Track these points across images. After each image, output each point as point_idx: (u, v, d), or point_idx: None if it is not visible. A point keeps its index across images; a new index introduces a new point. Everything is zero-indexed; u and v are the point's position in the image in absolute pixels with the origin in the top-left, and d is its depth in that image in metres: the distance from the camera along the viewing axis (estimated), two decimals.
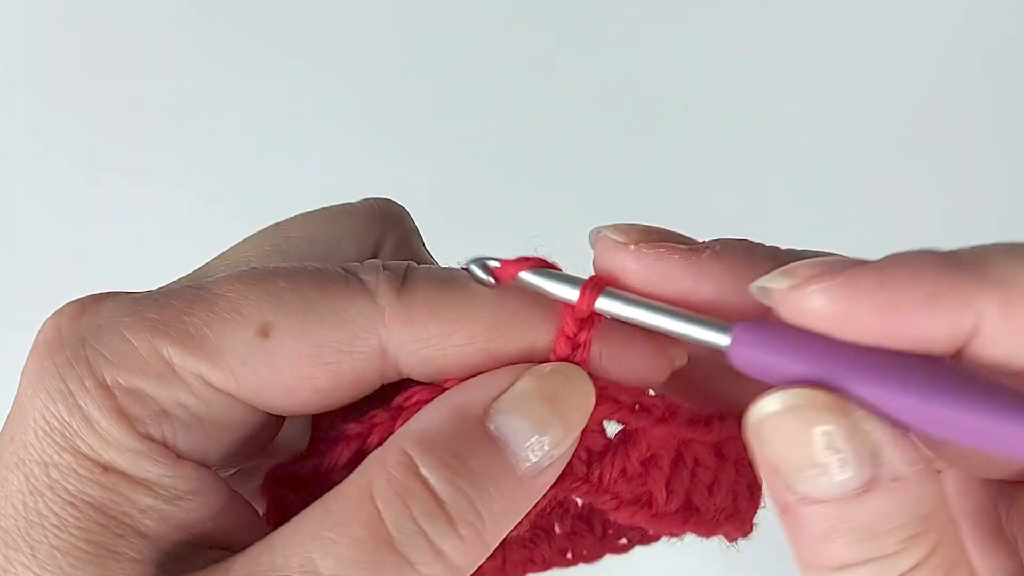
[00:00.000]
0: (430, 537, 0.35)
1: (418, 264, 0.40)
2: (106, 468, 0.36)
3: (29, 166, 1.01)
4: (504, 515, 0.37)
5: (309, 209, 0.46)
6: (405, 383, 0.39)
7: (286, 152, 1.02)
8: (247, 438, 0.40)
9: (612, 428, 0.41)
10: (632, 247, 0.39)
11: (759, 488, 0.45)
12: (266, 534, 0.37)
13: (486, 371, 0.38)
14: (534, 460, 0.37)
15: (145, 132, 1.01)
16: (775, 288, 0.35)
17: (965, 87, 1.03)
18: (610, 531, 0.50)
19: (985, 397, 0.33)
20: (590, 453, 0.41)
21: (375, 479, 0.36)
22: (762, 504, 0.45)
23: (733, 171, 1.02)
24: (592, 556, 0.50)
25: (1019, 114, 1.02)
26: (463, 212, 1.00)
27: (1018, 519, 0.42)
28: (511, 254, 0.39)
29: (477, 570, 0.37)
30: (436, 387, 0.39)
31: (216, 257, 0.45)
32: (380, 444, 0.38)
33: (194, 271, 0.44)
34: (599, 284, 0.38)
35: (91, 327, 0.38)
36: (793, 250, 0.39)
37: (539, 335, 0.39)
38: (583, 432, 0.39)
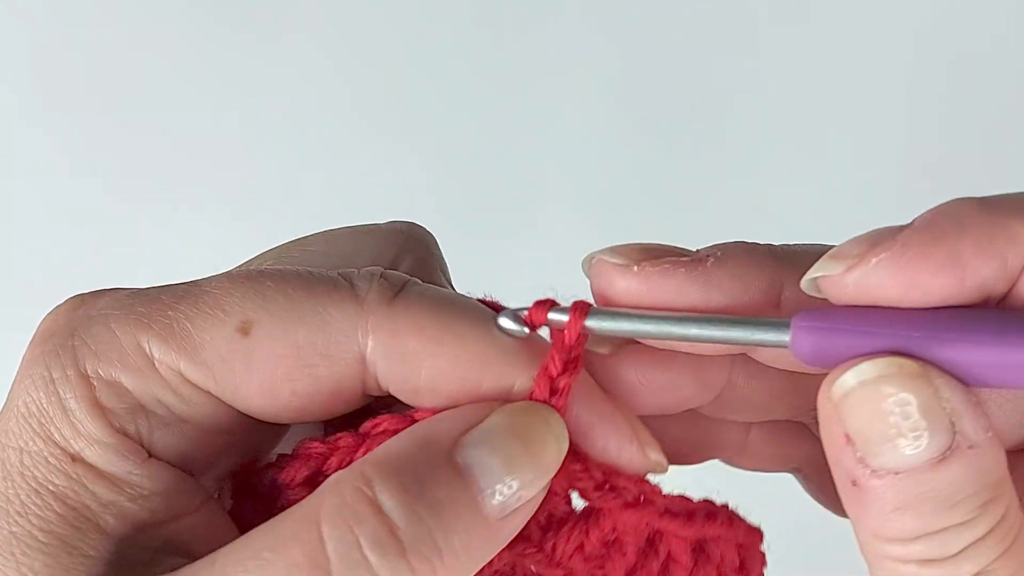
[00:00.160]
0: (374, 568, 0.33)
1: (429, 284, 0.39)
2: (74, 458, 0.36)
3: (42, 171, 1.03)
4: (465, 555, 0.35)
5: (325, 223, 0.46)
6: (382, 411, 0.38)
7: (301, 159, 1.03)
8: (233, 445, 0.39)
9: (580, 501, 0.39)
10: (635, 268, 0.38)
11: None
12: None
13: (460, 405, 0.37)
14: (501, 499, 0.35)
15: (160, 139, 1.02)
16: (830, 274, 0.35)
17: (985, 93, 1.01)
18: None
19: None
20: (549, 519, 0.39)
21: (326, 500, 0.34)
22: None
23: (732, 172, 1.01)
24: None
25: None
26: (465, 215, 1.00)
27: None
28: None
29: None
30: (406, 418, 0.38)
31: (236, 267, 0.44)
32: (340, 468, 0.37)
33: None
34: (596, 305, 0.37)
35: (82, 319, 0.38)
36: (787, 245, 0.39)
37: (521, 377, 0.38)
38: (546, 495, 0.37)
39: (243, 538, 0.35)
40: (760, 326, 0.36)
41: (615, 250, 0.38)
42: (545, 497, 0.37)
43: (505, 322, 0.38)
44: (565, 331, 0.37)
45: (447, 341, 0.37)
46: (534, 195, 1.02)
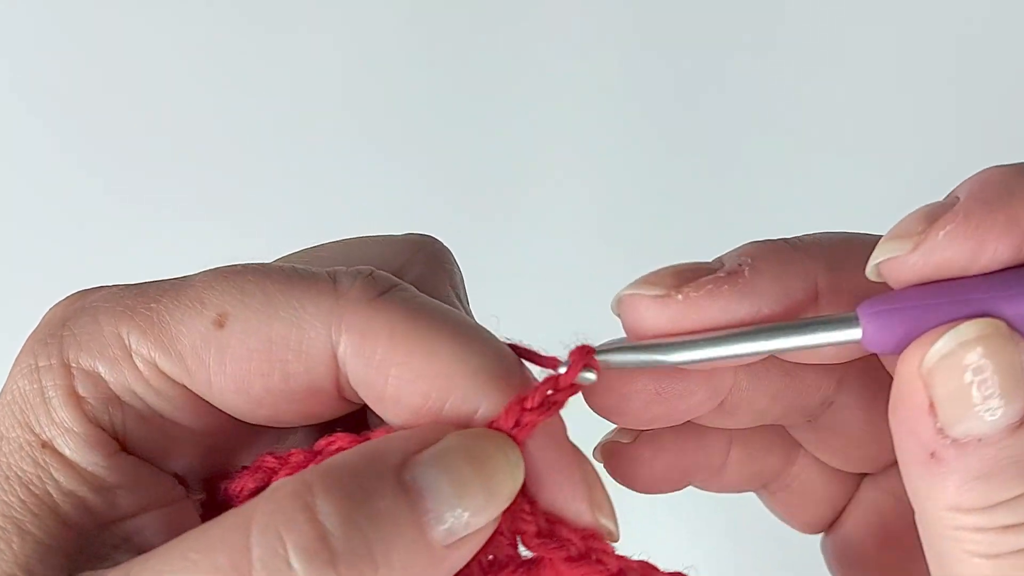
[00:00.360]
0: (299, 575, 0.32)
1: (431, 297, 0.38)
2: (44, 445, 0.36)
3: (44, 171, 1.04)
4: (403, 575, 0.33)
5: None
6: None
7: (300, 156, 1.03)
8: (212, 446, 0.39)
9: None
10: (679, 296, 0.36)
11: None
12: None
13: (419, 424, 0.36)
14: (448, 525, 0.33)
15: (161, 140, 1.03)
16: (898, 254, 0.35)
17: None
18: None
19: None
20: (492, 563, 0.37)
21: (260, 504, 0.33)
22: None
23: (729, 164, 0.99)
24: None
25: None
26: (462, 208, 1.00)
27: None
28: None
29: None
30: (362, 436, 0.36)
31: None
32: None
33: None
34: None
35: (75, 311, 0.38)
36: (800, 237, 0.39)
37: (485, 403, 0.36)
38: (493, 535, 0.35)
39: (178, 538, 0.34)
40: (825, 325, 0.36)
41: (646, 281, 0.37)
42: (492, 537, 0.35)
43: (586, 376, 0.36)
44: (568, 372, 0.36)
45: (417, 351, 0.35)
46: (532, 187, 1.02)
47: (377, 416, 0.38)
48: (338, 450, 0.36)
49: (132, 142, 1.03)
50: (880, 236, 0.36)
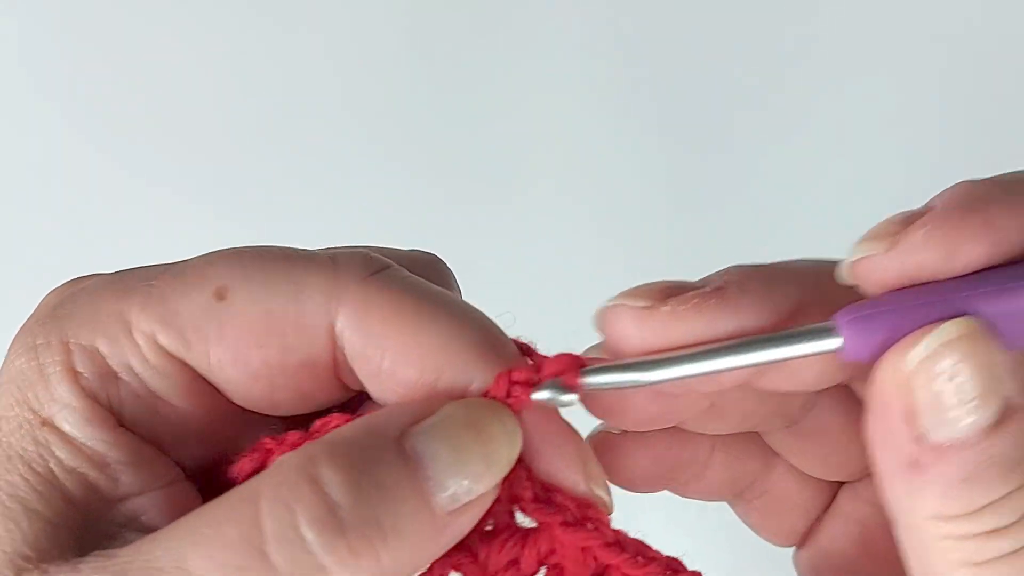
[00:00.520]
0: (310, 546, 0.33)
1: None
2: (44, 422, 0.36)
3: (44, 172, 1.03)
4: (411, 544, 0.34)
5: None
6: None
7: (300, 154, 1.03)
8: (209, 427, 0.39)
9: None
10: (667, 309, 0.37)
11: None
12: None
13: (414, 398, 0.37)
14: (450, 491, 0.34)
15: (161, 139, 1.03)
16: (872, 253, 0.35)
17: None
18: None
19: None
20: (492, 530, 0.37)
21: (267, 479, 0.34)
22: None
23: (733, 176, 1.00)
24: None
25: None
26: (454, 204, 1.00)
27: None
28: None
29: None
30: (359, 415, 0.37)
31: None
32: None
33: None
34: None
35: (72, 294, 0.39)
36: (781, 262, 0.39)
37: (480, 376, 0.37)
38: (493, 504, 0.36)
39: (185, 516, 0.35)
40: (804, 336, 0.36)
41: (632, 294, 0.38)
42: (492, 506, 0.36)
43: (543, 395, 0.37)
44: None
45: (413, 325, 0.36)
46: (531, 187, 1.03)
47: (370, 408, 0.38)
48: (335, 428, 0.37)
49: (130, 137, 1.03)
50: None
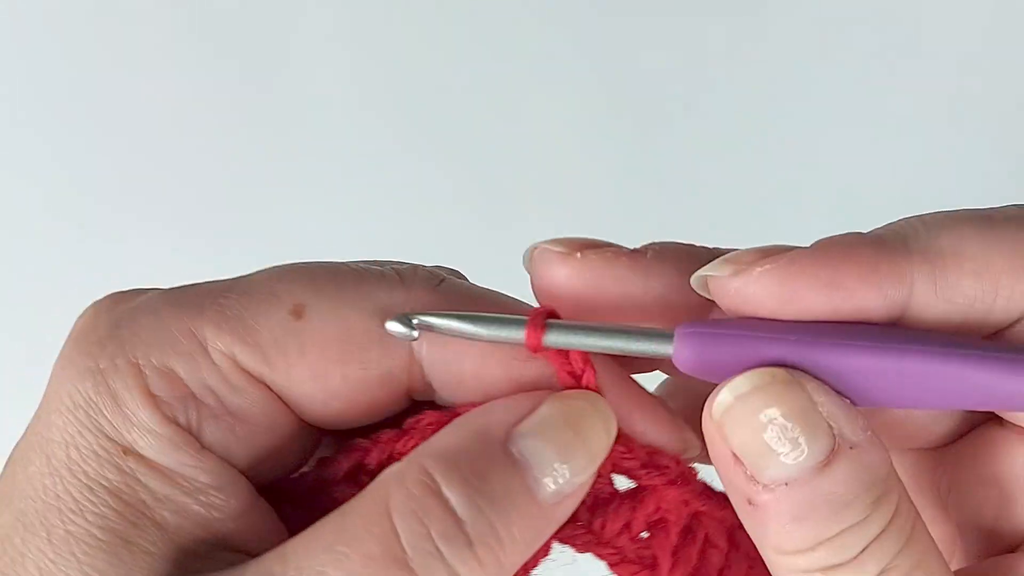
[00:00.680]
0: (447, 558, 0.34)
1: None
2: (126, 451, 0.35)
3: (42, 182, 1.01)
4: (523, 541, 0.36)
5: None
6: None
7: (301, 161, 1.03)
8: (278, 445, 0.39)
9: (621, 484, 0.40)
10: (578, 255, 0.38)
11: None
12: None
13: (501, 395, 0.38)
14: (555, 487, 0.36)
15: (161, 148, 1.01)
16: (717, 275, 0.36)
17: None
18: None
19: (928, 341, 0.35)
20: (596, 500, 0.40)
21: (393, 494, 0.35)
22: None
23: (733, 176, 1.02)
24: None
25: None
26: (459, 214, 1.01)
27: (945, 481, 0.42)
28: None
29: None
30: (450, 412, 0.38)
31: None
32: (380, 462, 0.38)
33: None
34: (541, 317, 0.37)
35: (126, 312, 0.37)
36: (716, 248, 0.40)
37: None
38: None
39: (309, 532, 0.35)
40: (645, 336, 0.37)
41: (558, 240, 0.39)
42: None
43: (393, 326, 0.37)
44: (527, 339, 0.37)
45: None
46: (530, 186, 1.04)
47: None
48: (429, 426, 0.38)
49: (129, 145, 1.00)
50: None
